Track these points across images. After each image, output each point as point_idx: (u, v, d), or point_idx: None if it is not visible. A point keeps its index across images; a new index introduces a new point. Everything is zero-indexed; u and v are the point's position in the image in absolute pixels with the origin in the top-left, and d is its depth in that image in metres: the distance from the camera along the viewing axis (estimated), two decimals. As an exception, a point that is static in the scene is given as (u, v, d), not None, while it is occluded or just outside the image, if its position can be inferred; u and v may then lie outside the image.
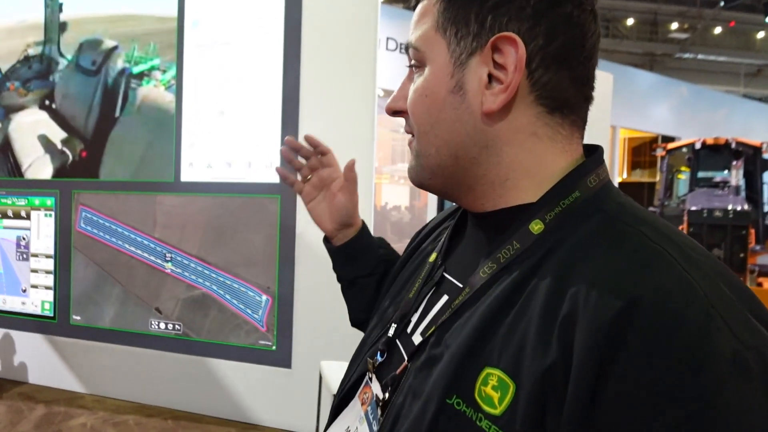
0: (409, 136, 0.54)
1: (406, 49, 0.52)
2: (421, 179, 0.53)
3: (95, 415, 2.70)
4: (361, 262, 0.82)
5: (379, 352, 0.56)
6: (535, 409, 0.36)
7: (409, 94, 0.51)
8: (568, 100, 0.46)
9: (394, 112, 0.55)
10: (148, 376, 2.83)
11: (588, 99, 0.48)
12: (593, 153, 0.49)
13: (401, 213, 12.90)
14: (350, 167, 0.80)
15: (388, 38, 7.81)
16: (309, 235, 2.52)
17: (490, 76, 0.45)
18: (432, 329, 0.48)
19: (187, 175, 2.73)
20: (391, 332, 0.56)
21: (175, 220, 2.77)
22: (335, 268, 0.85)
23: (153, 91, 2.79)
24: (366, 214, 2.47)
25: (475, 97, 0.46)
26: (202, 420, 2.67)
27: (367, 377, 0.56)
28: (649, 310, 0.34)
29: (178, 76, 2.72)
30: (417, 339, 0.51)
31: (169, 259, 2.78)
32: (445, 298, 0.52)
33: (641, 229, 0.40)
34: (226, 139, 2.66)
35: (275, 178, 2.56)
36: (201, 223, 2.72)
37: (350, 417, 0.56)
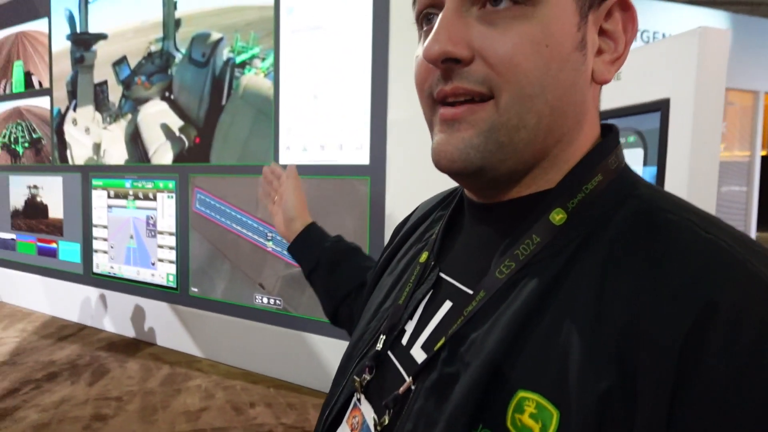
0: (464, 101, 0.39)
1: None
2: (485, 163, 0.38)
3: (209, 378, 2.98)
4: (308, 255, 0.84)
5: (366, 369, 0.48)
6: None
7: (495, 40, 0.36)
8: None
9: (447, 60, 0.37)
10: (254, 346, 3.06)
11: None
12: (608, 131, 0.42)
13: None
14: (290, 170, 0.92)
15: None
16: (398, 216, 2.50)
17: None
18: (441, 342, 0.40)
19: (285, 158, 2.85)
20: (379, 345, 0.48)
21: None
22: (299, 264, 0.88)
23: (254, 79, 2.94)
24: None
25: (590, 61, 0.38)
26: (299, 390, 2.83)
27: (355, 398, 0.49)
28: (730, 318, 0.28)
29: (276, 63, 2.83)
30: (418, 353, 0.44)
31: (270, 238, 2.95)
32: (448, 304, 0.44)
33: (688, 217, 0.34)
34: (320, 123, 2.72)
35: (365, 160, 2.58)
36: (298, 205, 2.83)
37: None
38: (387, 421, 0.42)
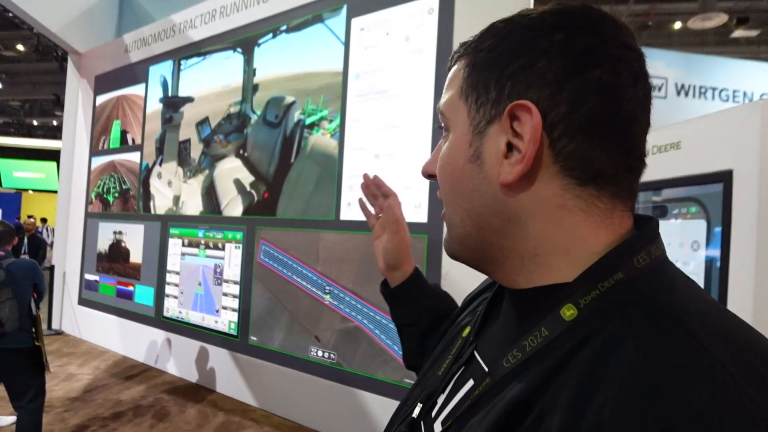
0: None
1: (438, 113, 0.50)
2: (452, 250, 0.49)
3: (261, 429, 3.00)
4: (405, 310, 0.80)
5: None
6: None
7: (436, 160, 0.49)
8: (602, 171, 0.40)
9: (429, 176, 0.52)
10: (306, 399, 3.06)
11: (631, 169, 0.41)
12: (645, 225, 0.42)
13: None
14: (387, 207, 0.81)
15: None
16: (454, 275, 2.50)
17: (510, 146, 0.41)
18: (449, 422, 0.43)
19: (345, 214, 2.95)
20: (416, 412, 0.51)
21: (334, 255, 3.00)
22: (390, 311, 0.84)
23: (321, 139, 3.12)
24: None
25: (493, 167, 0.42)
26: (349, 449, 2.78)
27: None
28: None
29: (341, 125, 3.00)
30: (438, 428, 0.46)
31: (327, 291, 3.01)
32: (470, 383, 0.46)
33: (689, 327, 0.32)
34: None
35: (423, 218, 2.62)
36: (356, 259, 2.90)
37: None
38: None
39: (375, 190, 0.84)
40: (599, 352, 0.34)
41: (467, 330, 0.53)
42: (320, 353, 3.02)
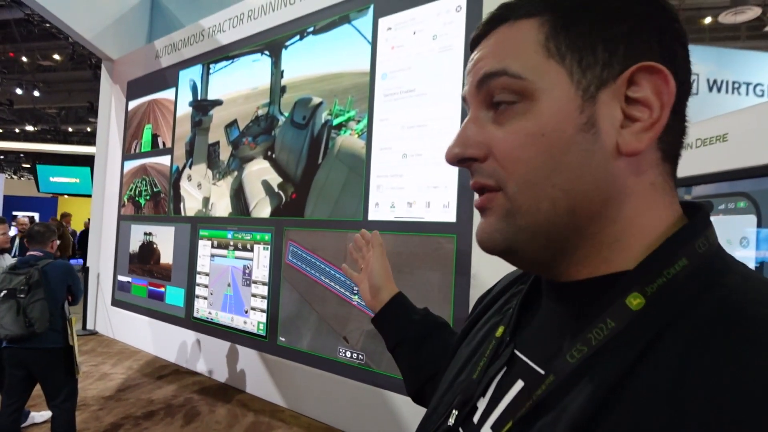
0: (482, 192, 0.43)
1: (483, 82, 0.42)
2: (510, 244, 0.42)
3: (290, 429, 3.01)
4: (393, 329, 0.81)
5: None
6: None
7: (498, 138, 0.41)
8: (680, 146, 0.39)
9: (462, 161, 0.44)
10: (336, 400, 3.05)
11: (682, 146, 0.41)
12: (697, 211, 0.39)
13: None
14: (374, 236, 0.90)
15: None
16: (483, 275, 2.46)
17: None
18: (508, 425, 0.39)
19: (373, 215, 2.94)
20: (451, 420, 0.47)
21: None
22: (384, 338, 0.84)
23: (348, 140, 3.11)
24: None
25: (610, 136, 0.38)
26: (379, 451, 2.75)
27: None
28: None
29: (369, 125, 2.99)
30: None
31: (356, 292, 2.99)
32: (520, 384, 0.43)
33: None
34: (408, 181, 2.79)
35: (452, 218, 2.59)
36: (384, 260, 2.87)
37: None
38: None
39: (363, 243, 0.91)
40: (683, 350, 0.31)
41: (501, 329, 0.50)
42: (348, 354, 3.01)
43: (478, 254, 2.49)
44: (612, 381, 0.33)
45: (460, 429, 0.47)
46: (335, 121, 3.19)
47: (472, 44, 0.47)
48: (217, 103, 4.07)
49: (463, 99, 0.46)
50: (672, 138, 0.39)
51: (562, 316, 0.42)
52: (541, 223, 0.40)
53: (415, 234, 2.74)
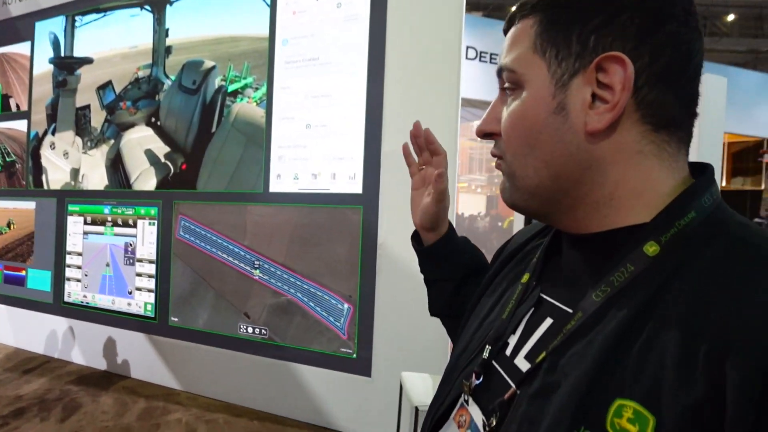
0: (496, 158, 0.54)
1: (499, 72, 0.52)
2: (515, 200, 0.52)
3: (189, 411, 2.87)
4: (441, 267, 0.83)
5: (474, 374, 0.54)
6: None
7: (503, 117, 0.52)
8: (674, 118, 0.45)
9: (485, 135, 0.54)
10: (237, 377, 2.98)
11: (693, 115, 0.47)
12: (703, 171, 0.47)
13: (478, 222, 12.72)
14: (437, 176, 0.79)
15: (468, 47, 7.75)
16: (390, 246, 2.54)
17: (594, 96, 0.45)
18: (542, 355, 0.45)
19: (275, 186, 2.86)
20: (485, 354, 0.54)
21: (264, 229, 2.90)
22: (419, 264, 0.86)
23: (245, 107, 2.96)
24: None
25: (578, 117, 0.45)
26: (284, 422, 2.75)
27: (462, 399, 0.55)
28: None
29: (268, 92, 2.87)
30: (522, 363, 0.49)
31: (257, 266, 2.91)
32: (549, 321, 0.50)
33: None
34: (312, 152, 2.75)
35: (358, 189, 2.62)
36: (287, 233, 2.83)
37: None
38: (494, 423, 0.47)
39: (423, 142, 0.83)
40: (698, 284, 0.38)
41: (526, 276, 0.57)
42: (250, 330, 2.93)
43: (384, 225, 2.56)
44: (636, 311, 0.40)
45: (494, 362, 0.54)
46: (230, 88, 3.01)
47: (504, 32, 0.55)
48: (87, 61, 3.61)
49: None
50: (659, 110, 0.44)
51: (585, 263, 0.49)
52: (532, 186, 0.50)
53: (321, 206, 2.72)
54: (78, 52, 3.65)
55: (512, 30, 0.51)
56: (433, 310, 0.87)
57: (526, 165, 0.49)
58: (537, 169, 0.48)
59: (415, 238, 0.86)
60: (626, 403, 0.37)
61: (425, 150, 0.84)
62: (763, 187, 11.02)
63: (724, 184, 13.80)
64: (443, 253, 0.82)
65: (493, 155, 0.54)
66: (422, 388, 2.03)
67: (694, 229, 0.42)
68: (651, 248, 0.42)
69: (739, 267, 0.37)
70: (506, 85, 0.51)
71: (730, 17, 14.17)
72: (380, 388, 2.55)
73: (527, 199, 0.51)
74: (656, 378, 0.36)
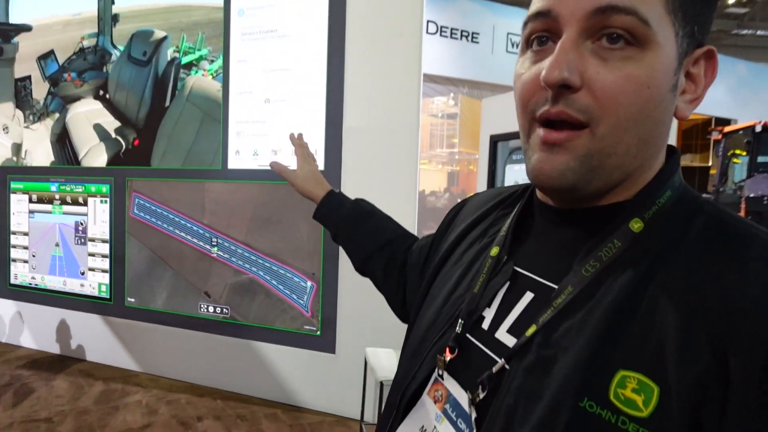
0: (554, 124, 0.43)
1: (602, 10, 0.40)
2: (577, 182, 0.44)
3: (150, 393, 2.83)
4: (329, 222, 0.96)
5: (448, 349, 0.53)
6: (687, 411, 0.36)
7: (605, 76, 0.41)
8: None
9: (562, 85, 0.41)
10: (199, 357, 2.94)
11: None
12: (672, 153, 0.49)
13: (439, 198, 12.83)
14: (294, 139, 1.05)
15: (428, 21, 7.68)
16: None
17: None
18: (533, 328, 0.45)
19: (234, 163, 2.79)
20: (459, 329, 0.53)
21: (223, 206, 2.83)
22: (329, 231, 0.98)
23: (201, 81, 2.85)
24: (411, 199, 2.46)
25: (676, 100, 0.45)
26: (249, 401, 2.75)
27: (436, 374, 0.54)
28: None
29: (225, 66, 2.77)
30: (505, 338, 0.49)
31: (215, 244, 2.85)
32: (530, 295, 0.49)
33: (755, 231, 0.41)
34: (272, 127, 2.69)
35: (320, 166, 2.58)
36: (248, 210, 2.77)
37: (422, 415, 0.54)
38: (481, 396, 0.46)
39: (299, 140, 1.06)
40: (690, 261, 0.40)
41: (496, 249, 0.56)
42: (211, 309, 2.89)
43: (347, 201, 2.54)
44: (633, 284, 0.41)
45: (468, 335, 0.53)
46: (184, 60, 2.88)
47: None
48: (25, 28, 3.37)
49: (547, 13, 0.43)
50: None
51: (569, 238, 0.49)
52: (610, 166, 0.43)
53: (282, 183, 2.65)
54: (14, 18, 3.40)
55: None
56: (354, 264, 0.96)
57: (622, 141, 0.42)
58: (629, 147, 0.42)
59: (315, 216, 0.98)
60: (630, 374, 0.38)
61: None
62: (710, 163, 11.55)
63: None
64: (333, 203, 0.94)
65: (566, 118, 0.42)
66: (387, 362, 2.06)
67: (670, 207, 0.44)
68: (636, 225, 0.44)
69: (726, 247, 0.40)
70: (618, 34, 0.40)
71: None
72: (344, 364, 2.57)
73: (594, 180, 0.44)
74: (659, 348, 0.37)
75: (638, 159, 0.44)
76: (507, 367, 0.46)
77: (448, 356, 0.53)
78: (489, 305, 0.53)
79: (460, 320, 0.54)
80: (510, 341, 0.48)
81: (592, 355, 0.40)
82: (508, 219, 0.58)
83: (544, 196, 0.53)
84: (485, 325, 0.52)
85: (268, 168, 2.76)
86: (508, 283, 0.52)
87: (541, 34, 0.45)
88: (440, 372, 0.53)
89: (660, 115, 0.43)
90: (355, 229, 0.92)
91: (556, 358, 0.42)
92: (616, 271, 0.42)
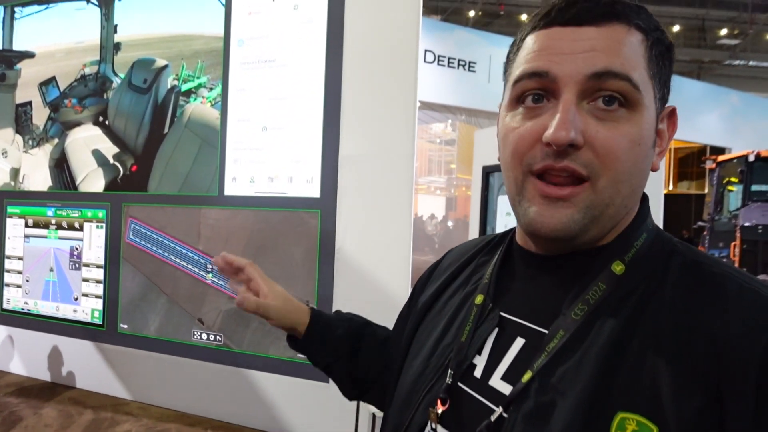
0: (561, 178, 0.47)
1: (599, 74, 0.44)
2: (579, 233, 0.47)
3: (139, 422, 2.77)
4: (322, 351, 0.82)
5: (439, 401, 0.52)
6: None
7: (604, 135, 0.45)
8: None
9: (569, 144, 0.45)
10: (190, 385, 2.89)
11: None
12: (644, 198, 0.53)
13: (436, 224, 12.84)
14: (241, 264, 0.81)
15: (426, 51, 7.83)
16: (348, 251, 2.53)
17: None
18: (528, 374, 0.46)
19: (230, 189, 2.80)
20: (449, 379, 0.53)
21: (219, 233, 2.83)
22: (309, 359, 0.85)
23: (199, 108, 2.88)
24: (405, 226, 2.46)
25: (653, 155, 0.49)
26: (240, 431, 2.70)
27: (429, 428, 0.53)
28: None
29: (224, 94, 2.80)
30: (500, 385, 0.49)
31: (210, 270, 2.84)
32: (520, 341, 0.50)
33: (729, 271, 0.43)
34: (269, 155, 2.71)
35: (316, 193, 2.59)
36: (243, 237, 2.77)
37: None
38: None
39: (229, 268, 0.83)
40: (673, 301, 0.42)
41: (480, 297, 0.56)
42: (205, 336, 2.86)
43: (342, 229, 2.54)
44: (621, 326, 0.42)
45: (460, 384, 0.52)
46: (184, 87, 2.93)
47: (572, 18, 0.45)
48: (27, 55, 3.42)
49: (544, 74, 0.45)
50: None
51: (554, 283, 0.50)
52: (607, 216, 0.47)
53: (278, 209, 2.68)
54: (18, 45, 3.46)
55: (616, 30, 0.45)
56: (350, 392, 0.86)
57: (618, 192, 0.46)
58: (624, 198, 0.47)
59: (290, 339, 0.85)
60: (629, 416, 0.39)
61: (236, 272, 0.83)
62: (706, 191, 11.66)
63: (671, 187, 14.54)
64: (319, 335, 0.81)
65: (570, 172, 0.46)
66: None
67: (646, 249, 0.47)
68: (618, 267, 0.46)
69: (703, 287, 0.42)
70: (612, 95, 0.45)
71: (675, 28, 14.90)
72: (337, 394, 2.50)
73: (593, 228, 0.47)
74: (655, 389, 0.39)
75: (627, 207, 0.48)
76: (505, 415, 0.46)
77: (440, 408, 0.52)
78: (479, 353, 0.53)
79: (449, 370, 0.53)
80: (505, 388, 0.48)
81: (590, 399, 0.41)
82: (489, 266, 0.59)
83: (525, 243, 0.54)
84: (477, 373, 0.52)
85: (264, 194, 2.78)
86: (497, 330, 0.53)
87: (536, 92, 0.47)
88: (433, 425, 0.52)
89: (646, 168, 0.48)
90: (360, 349, 0.83)
91: (555, 403, 0.42)
92: (604, 314, 0.44)
